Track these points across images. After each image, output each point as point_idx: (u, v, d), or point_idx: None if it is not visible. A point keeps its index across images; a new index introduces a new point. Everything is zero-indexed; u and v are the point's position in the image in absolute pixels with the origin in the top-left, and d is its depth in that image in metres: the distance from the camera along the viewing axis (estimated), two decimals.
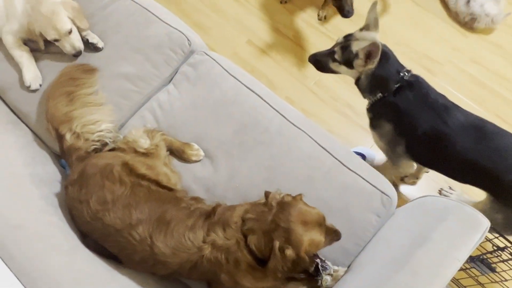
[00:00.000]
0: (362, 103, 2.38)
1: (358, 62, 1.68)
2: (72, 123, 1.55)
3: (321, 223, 1.26)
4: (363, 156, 2.25)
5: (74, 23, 1.68)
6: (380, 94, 1.70)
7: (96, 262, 1.35)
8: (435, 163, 1.76)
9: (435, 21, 2.68)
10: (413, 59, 2.52)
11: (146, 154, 1.52)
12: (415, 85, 1.67)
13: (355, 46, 1.68)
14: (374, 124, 1.82)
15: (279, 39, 2.61)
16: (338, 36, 1.80)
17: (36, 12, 1.61)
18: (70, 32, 1.65)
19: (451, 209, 1.30)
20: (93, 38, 1.75)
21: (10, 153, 1.54)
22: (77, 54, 1.69)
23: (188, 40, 1.77)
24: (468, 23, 2.61)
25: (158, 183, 1.47)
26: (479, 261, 1.73)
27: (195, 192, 1.58)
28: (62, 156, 1.59)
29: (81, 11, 1.73)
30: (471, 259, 1.76)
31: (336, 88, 2.46)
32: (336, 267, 1.45)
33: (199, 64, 1.76)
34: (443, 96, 1.69)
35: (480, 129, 1.61)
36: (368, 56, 1.63)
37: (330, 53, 1.77)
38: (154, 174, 1.47)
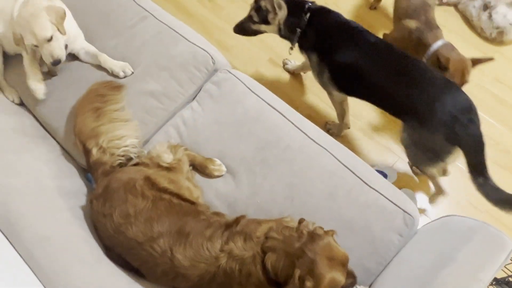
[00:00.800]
0: (384, 121, 2.38)
1: (270, 16, 1.95)
2: (99, 138, 1.59)
3: (344, 264, 1.24)
4: (384, 175, 2.23)
5: (58, 30, 1.61)
6: (298, 30, 1.93)
7: (119, 274, 1.38)
8: (353, 88, 1.94)
9: (455, 39, 2.67)
10: None
11: (169, 169, 1.55)
12: (324, 11, 1.92)
13: (263, 4, 1.94)
14: (309, 60, 2.02)
15: (300, 57, 2.63)
16: None
17: (19, 14, 1.57)
18: (50, 39, 1.58)
19: (475, 229, 1.28)
20: (119, 73, 1.77)
21: (40, 166, 1.59)
22: (55, 63, 1.63)
23: (212, 58, 1.82)
24: (496, 38, 2.57)
25: (180, 197, 1.49)
26: (505, 284, 1.69)
27: (217, 208, 1.60)
28: (88, 170, 1.63)
29: (66, 17, 1.67)
30: (497, 281, 1.72)
31: (358, 106, 2.46)
32: (358, 286, 1.43)
33: (223, 82, 1.80)
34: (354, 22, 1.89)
35: (389, 52, 1.80)
36: (278, 6, 1.90)
37: (249, 17, 2.04)
38: (176, 188, 1.50)
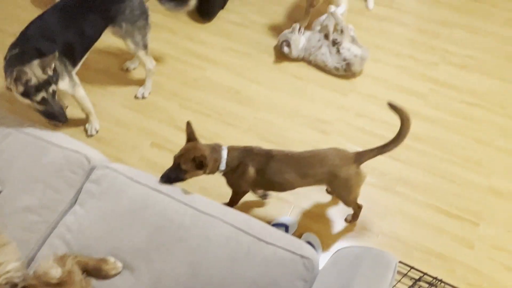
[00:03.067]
0: None
1: None
2: None
3: None
4: (286, 226, 2.31)
5: None
6: None
7: None
8: None
9: (316, 89, 2.98)
10: (307, 125, 2.75)
11: (59, 284, 1.45)
12: None
13: None
14: None
15: (181, 135, 2.72)
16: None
17: None
18: None
19: (361, 256, 1.39)
20: None
21: None
22: None
23: (86, 158, 1.81)
24: (347, 69, 2.96)
25: None
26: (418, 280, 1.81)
27: None
28: None
29: None
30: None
31: None
32: None
33: (102, 178, 1.78)
34: None
35: None
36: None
37: None
38: None
